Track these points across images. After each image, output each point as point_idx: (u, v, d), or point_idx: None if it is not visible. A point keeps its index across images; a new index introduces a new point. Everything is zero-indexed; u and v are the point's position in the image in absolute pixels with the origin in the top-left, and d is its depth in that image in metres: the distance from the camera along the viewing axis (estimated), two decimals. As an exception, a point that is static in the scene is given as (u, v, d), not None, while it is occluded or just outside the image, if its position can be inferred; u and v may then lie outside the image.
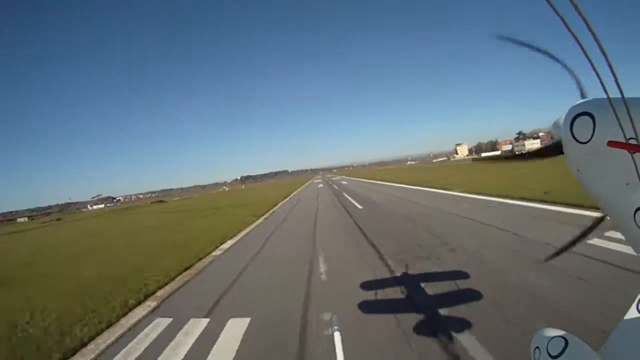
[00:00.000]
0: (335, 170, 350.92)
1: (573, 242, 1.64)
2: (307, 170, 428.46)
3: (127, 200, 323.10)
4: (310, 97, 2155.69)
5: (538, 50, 1.47)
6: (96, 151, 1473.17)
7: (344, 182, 49.41)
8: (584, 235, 1.64)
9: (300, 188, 51.05)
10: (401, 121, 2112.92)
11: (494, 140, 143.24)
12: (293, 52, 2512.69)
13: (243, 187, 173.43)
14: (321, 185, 50.94)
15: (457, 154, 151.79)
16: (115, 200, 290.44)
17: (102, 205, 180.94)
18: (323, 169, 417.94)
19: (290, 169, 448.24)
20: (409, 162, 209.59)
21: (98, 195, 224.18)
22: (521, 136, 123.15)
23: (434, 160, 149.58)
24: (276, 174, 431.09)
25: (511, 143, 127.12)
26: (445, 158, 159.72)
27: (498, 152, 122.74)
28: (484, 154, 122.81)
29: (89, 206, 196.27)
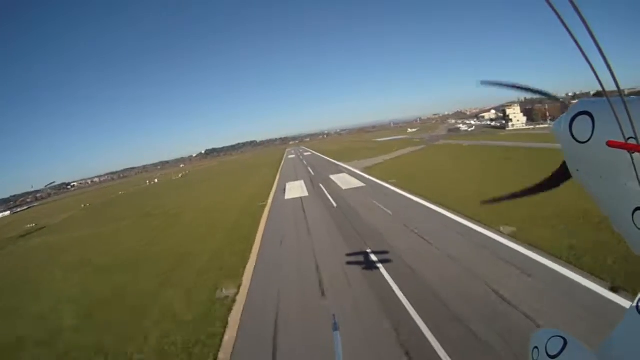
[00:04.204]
0: (308, 140, 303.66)
1: (521, 194, 1.73)
2: (276, 140, 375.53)
3: (81, 185, 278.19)
4: (281, 57, 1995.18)
5: (519, 88, 1.55)
6: (50, 133, 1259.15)
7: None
8: (538, 188, 1.65)
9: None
10: (383, 78, 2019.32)
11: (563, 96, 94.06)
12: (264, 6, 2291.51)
13: (179, 175, 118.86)
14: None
15: (510, 120, 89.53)
16: (69, 187, 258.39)
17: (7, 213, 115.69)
18: (294, 137, 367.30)
19: (259, 139, 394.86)
20: (409, 130, 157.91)
21: (51, 183, 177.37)
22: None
23: (468, 127, 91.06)
24: (243, 145, 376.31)
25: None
26: (472, 125, 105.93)
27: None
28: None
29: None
